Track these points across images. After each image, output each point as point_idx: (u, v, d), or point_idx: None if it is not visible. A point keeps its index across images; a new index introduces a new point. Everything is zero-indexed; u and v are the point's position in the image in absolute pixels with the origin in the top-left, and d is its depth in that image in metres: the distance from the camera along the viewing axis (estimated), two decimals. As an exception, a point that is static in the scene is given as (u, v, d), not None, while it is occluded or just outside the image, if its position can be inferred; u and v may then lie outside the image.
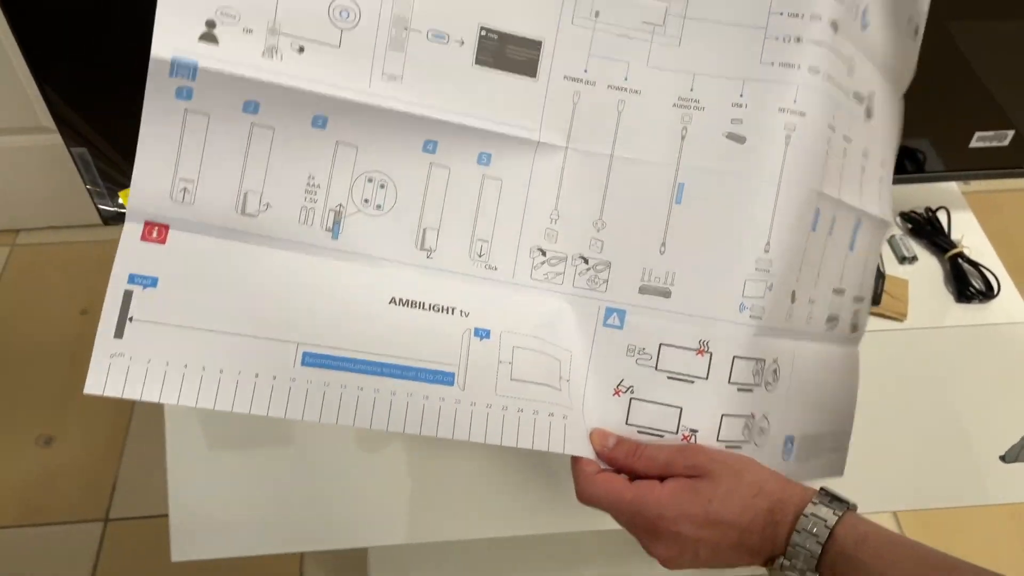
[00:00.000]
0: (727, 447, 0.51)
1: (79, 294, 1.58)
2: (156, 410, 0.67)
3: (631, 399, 0.51)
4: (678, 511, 0.46)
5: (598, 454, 0.50)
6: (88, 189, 0.69)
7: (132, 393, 0.45)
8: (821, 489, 0.47)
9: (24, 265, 1.64)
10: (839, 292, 0.57)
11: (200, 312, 0.46)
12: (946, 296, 0.85)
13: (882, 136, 0.58)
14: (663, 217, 0.51)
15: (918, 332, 0.82)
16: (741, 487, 0.46)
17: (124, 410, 1.42)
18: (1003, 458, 0.66)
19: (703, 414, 0.51)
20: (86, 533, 1.30)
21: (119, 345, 0.45)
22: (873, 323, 0.81)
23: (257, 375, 0.46)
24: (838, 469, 0.60)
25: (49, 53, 0.61)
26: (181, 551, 0.66)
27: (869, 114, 0.56)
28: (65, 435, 1.41)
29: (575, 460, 0.50)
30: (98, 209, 0.70)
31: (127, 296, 0.46)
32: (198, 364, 0.46)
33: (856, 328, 0.61)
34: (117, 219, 0.69)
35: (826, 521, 0.44)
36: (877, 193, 0.59)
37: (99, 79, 0.64)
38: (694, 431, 0.51)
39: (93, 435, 1.40)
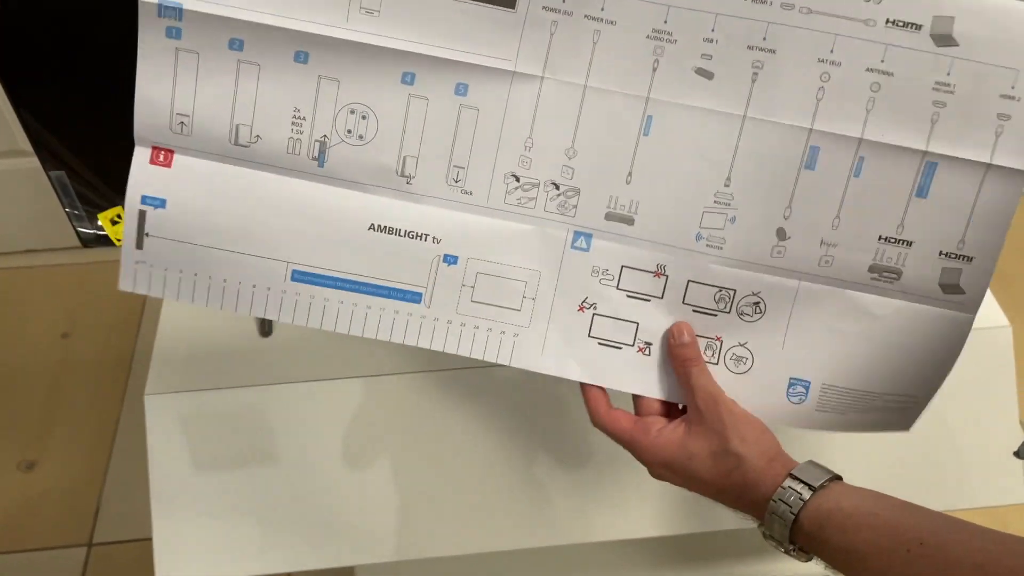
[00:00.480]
0: None
1: (60, 317, 1.54)
2: (139, 432, 0.70)
3: (593, 315, 0.56)
4: (663, 460, 0.54)
5: (669, 345, 0.56)
6: (67, 212, 0.68)
7: (155, 293, 0.53)
8: (790, 475, 0.50)
9: (3, 289, 1.60)
10: (897, 242, 0.53)
11: (203, 231, 0.53)
12: None
13: (978, 71, 0.50)
14: (631, 148, 0.54)
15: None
16: (724, 456, 0.51)
17: (106, 433, 1.40)
18: (1017, 454, 0.67)
19: (656, 329, 0.56)
20: (70, 558, 1.27)
21: (140, 255, 0.52)
22: None
23: (255, 286, 0.53)
24: (900, 423, 0.57)
25: (25, 77, 0.62)
26: (166, 574, 0.67)
27: (943, 42, 0.49)
28: (47, 459, 1.37)
29: (587, 393, 0.57)
30: (77, 232, 0.70)
31: (141, 215, 0.52)
32: (205, 274, 0.53)
33: (952, 290, 0.54)
34: (97, 242, 0.70)
35: (792, 508, 0.48)
36: (976, 134, 0.51)
37: (76, 102, 0.65)
38: (648, 343, 0.56)
39: (75, 459, 1.37)
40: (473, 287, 0.55)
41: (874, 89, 0.51)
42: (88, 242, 0.69)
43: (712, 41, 0.51)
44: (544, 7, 0.51)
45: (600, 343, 0.56)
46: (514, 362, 0.55)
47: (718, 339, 0.56)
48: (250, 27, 0.49)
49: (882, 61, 0.50)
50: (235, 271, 0.53)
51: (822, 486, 0.49)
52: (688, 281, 0.55)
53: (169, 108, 0.51)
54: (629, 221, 0.55)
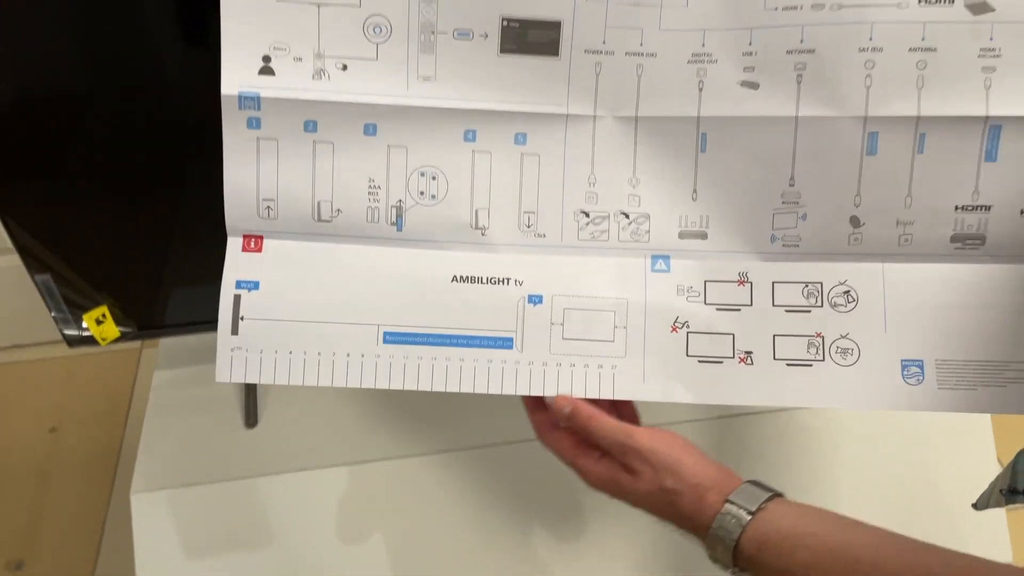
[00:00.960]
0: (791, 365, 0.55)
1: (48, 412, 1.52)
2: (127, 526, 0.71)
3: (688, 333, 0.56)
4: (601, 488, 0.53)
5: (563, 425, 0.55)
6: (53, 316, 0.69)
7: (252, 378, 0.54)
8: (727, 500, 0.49)
9: (-10, 384, 1.54)
10: (975, 208, 0.54)
11: (296, 307, 0.55)
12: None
13: (1021, 31, 0.51)
14: (691, 167, 0.55)
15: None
16: (658, 495, 0.51)
17: (95, 529, 1.36)
18: (975, 506, 0.63)
19: (754, 337, 0.55)
20: (60, 659, 1.18)
21: (236, 340, 0.54)
22: None
23: (348, 355, 0.54)
24: None
25: (9, 182, 0.63)
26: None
27: (979, 10, 0.51)
28: (36, 558, 1.33)
29: (532, 413, 0.56)
30: (63, 334, 0.71)
31: (236, 299, 0.54)
32: (300, 350, 0.54)
33: None
34: (81, 342, 0.70)
35: (731, 533, 0.48)
36: (1021, 91, 0.51)
37: (60, 208, 0.66)
38: (748, 352, 0.55)
39: (64, 557, 1.33)
40: (563, 324, 0.55)
41: (920, 67, 0.52)
42: (73, 343, 0.70)
43: (751, 54, 0.53)
44: (586, 50, 0.54)
45: (700, 360, 0.55)
46: (618, 394, 0.55)
47: (819, 335, 0.55)
48: (322, 107, 0.53)
49: (923, 39, 0.52)
50: (329, 342, 0.54)
51: (760, 508, 0.49)
52: (773, 283, 0.55)
53: (256, 195, 0.54)
54: (703, 236, 0.56)
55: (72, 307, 0.69)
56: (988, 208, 0.53)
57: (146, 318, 0.73)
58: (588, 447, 0.54)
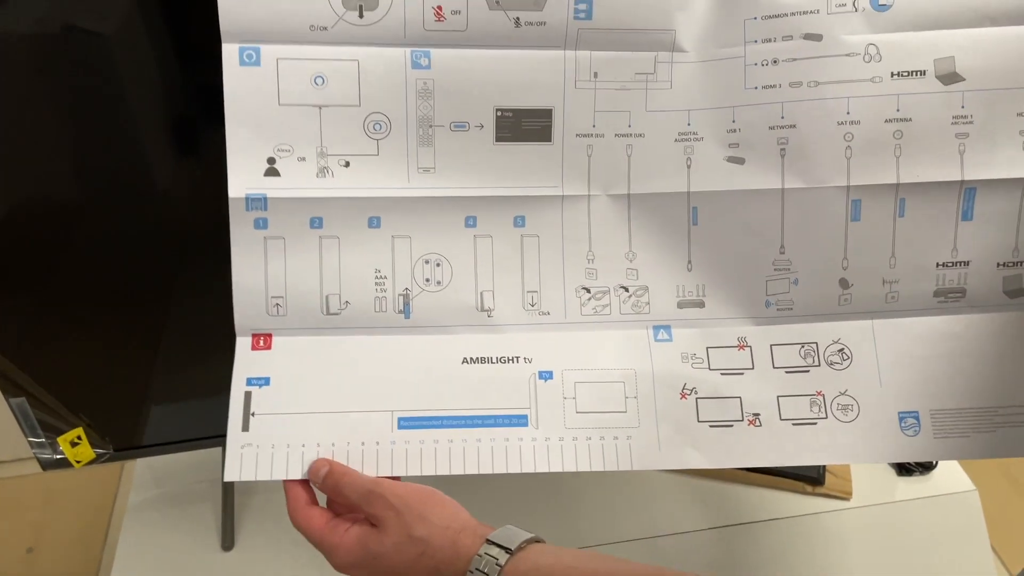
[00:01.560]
0: (797, 424, 0.57)
1: (24, 532, 1.50)
2: None
3: (697, 399, 0.57)
4: (351, 562, 0.51)
5: (312, 481, 0.53)
6: (28, 440, 0.68)
7: (263, 476, 0.54)
8: (487, 540, 0.49)
9: (-33, 504, 1.52)
10: (955, 264, 0.56)
11: (308, 399, 0.55)
12: (887, 470, 0.87)
13: (989, 99, 0.54)
14: (684, 240, 0.58)
15: (866, 510, 0.84)
16: (407, 545, 0.49)
17: None
18: None
19: (760, 399, 0.57)
20: None
21: (247, 437, 0.54)
22: (818, 504, 0.83)
23: (363, 443, 0.55)
24: None
25: None
26: None
27: (950, 80, 0.54)
28: None
29: (288, 490, 0.53)
30: (37, 458, 0.69)
31: (247, 396, 0.55)
32: (313, 442, 0.54)
33: (1017, 293, 0.57)
34: (56, 465, 0.68)
35: (488, 574, 0.47)
36: (1004, 153, 0.55)
37: (34, 331, 0.65)
38: (756, 414, 0.57)
39: None
40: (575, 398, 0.56)
41: (897, 137, 0.55)
42: (47, 466, 0.68)
43: (735, 131, 0.56)
44: (578, 135, 0.57)
45: (711, 425, 0.57)
46: (636, 463, 0.56)
47: (820, 394, 0.57)
48: (327, 203, 0.54)
49: (897, 110, 0.55)
50: (343, 432, 0.55)
51: (519, 548, 0.48)
52: (771, 346, 0.57)
53: (264, 294, 0.55)
54: (700, 304, 0.58)
55: (47, 430, 0.67)
56: (967, 263, 0.57)
57: (123, 439, 0.71)
58: (338, 523, 0.52)
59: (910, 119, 0.55)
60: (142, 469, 0.83)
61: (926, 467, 0.87)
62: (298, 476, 0.54)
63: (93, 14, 0.54)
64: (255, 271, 0.54)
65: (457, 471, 0.55)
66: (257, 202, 0.53)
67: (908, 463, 0.87)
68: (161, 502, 0.80)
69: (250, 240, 0.54)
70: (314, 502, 0.54)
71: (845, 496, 0.85)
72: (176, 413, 0.70)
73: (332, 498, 0.54)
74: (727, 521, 0.83)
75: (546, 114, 0.56)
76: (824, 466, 0.85)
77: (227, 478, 0.54)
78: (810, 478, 0.85)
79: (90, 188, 0.61)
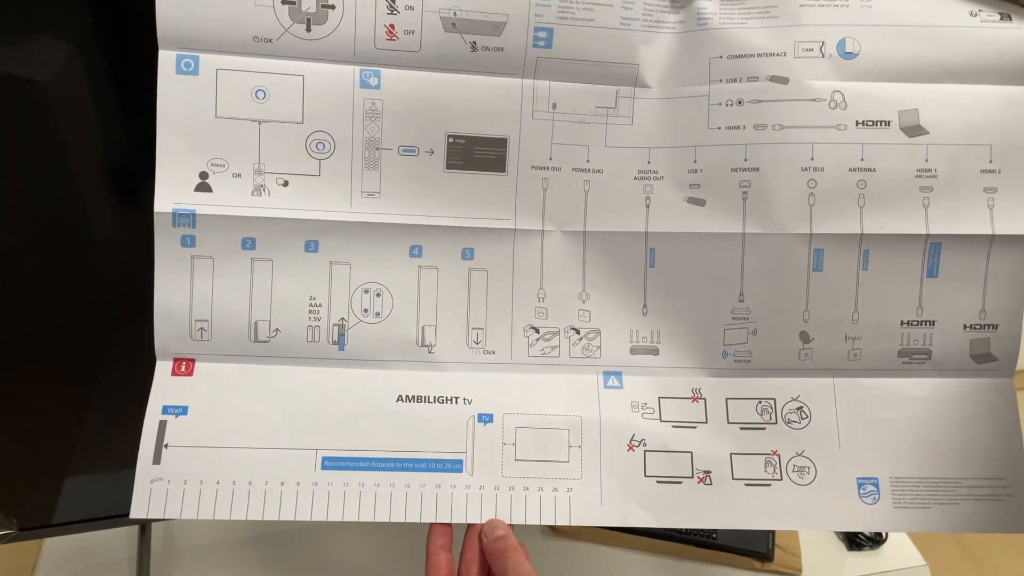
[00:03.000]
0: (750, 485, 0.53)
1: None
2: None
3: (645, 452, 0.54)
4: None
5: (484, 544, 0.50)
6: None
7: (172, 513, 0.50)
8: None
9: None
10: (920, 323, 0.54)
11: (227, 432, 0.51)
12: (837, 544, 0.85)
13: (953, 153, 0.52)
14: (640, 282, 0.55)
15: (816, 586, 0.82)
16: None
17: None
18: None
19: (712, 456, 0.54)
20: None
21: (158, 470, 0.50)
22: None
23: (283, 483, 0.50)
24: (1010, 522, 0.53)
25: None
26: None
27: (914, 132, 0.52)
28: None
29: (433, 552, 0.50)
30: None
31: (162, 426, 0.51)
32: (229, 479, 0.50)
33: (984, 359, 0.54)
34: (3, 539, 0.64)
35: None
36: (969, 209, 0.53)
37: None
38: (707, 472, 0.53)
39: None
40: (515, 444, 0.53)
41: (860, 186, 0.53)
42: None
43: (697, 171, 0.54)
44: (533, 166, 0.54)
45: (659, 481, 0.53)
46: (575, 519, 0.52)
47: (775, 454, 0.54)
48: (261, 224, 0.51)
49: (862, 160, 0.53)
50: (261, 470, 0.51)
51: None
52: (727, 399, 0.54)
53: (188, 317, 0.51)
54: (654, 352, 0.55)
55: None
56: (932, 323, 0.54)
57: (30, 517, 0.65)
58: None
59: (874, 169, 0.53)
60: (51, 547, 0.77)
61: (876, 541, 0.84)
62: (208, 516, 0.50)
63: (30, 63, 0.51)
64: (179, 291, 0.51)
65: (382, 518, 0.51)
66: (185, 218, 0.50)
67: (859, 536, 0.84)
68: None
69: (175, 258, 0.50)
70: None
71: (795, 572, 0.82)
72: (92, 486, 0.64)
73: (488, 559, 0.50)
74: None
75: (500, 143, 0.53)
76: (773, 540, 0.81)
77: (133, 514, 0.50)
78: (759, 553, 0.81)
79: (20, 237, 0.56)
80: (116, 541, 0.75)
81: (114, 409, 0.59)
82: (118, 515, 0.62)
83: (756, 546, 0.81)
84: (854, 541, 0.84)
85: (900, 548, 0.85)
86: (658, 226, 0.54)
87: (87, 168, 0.54)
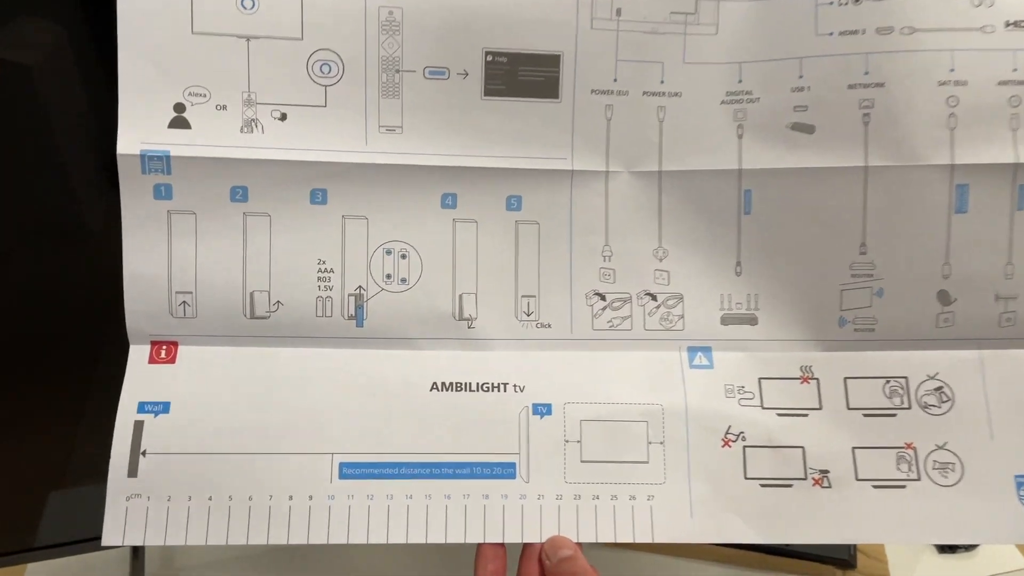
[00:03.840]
0: (879, 487, 0.42)
1: None
2: None
3: (744, 447, 0.43)
4: None
5: (545, 567, 0.41)
6: None
7: (154, 538, 0.39)
8: None
9: None
10: None
11: (219, 434, 0.41)
12: (928, 549, 0.74)
13: None
14: (733, 232, 0.43)
15: (906, 596, 0.70)
16: None
17: None
18: None
19: (829, 451, 0.43)
20: None
21: (134, 485, 0.40)
22: None
23: (291, 497, 0.40)
24: None
25: None
26: None
27: None
28: None
29: (480, 554, 0.41)
30: None
31: (138, 428, 0.40)
32: (223, 494, 0.40)
33: None
34: None
35: None
36: None
37: None
38: (824, 472, 0.42)
39: None
40: (580, 441, 0.42)
41: (1013, 104, 0.41)
42: None
43: (803, 89, 0.42)
44: (593, 91, 0.43)
45: (763, 484, 0.42)
46: (658, 534, 0.41)
47: (910, 447, 0.42)
48: (254, 168, 0.40)
49: (1014, 70, 0.41)
50: (264, 481, 0.40)
51: None
52: (845, 379, 0.43)
53: (167, 289, 0.41)
54: (751, 321, 0.44)
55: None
56: None
57: (8, 540, 0.55)
58: None
59: None
60: (33, 572, 0.68)
61: (969, 544, 0.72)
62: (199, 541, 0.40)
63: (15, 45, 0.41)
64: (155, 256, 0.40)
65: (417, 538, 0.40)
66: (157, 162, 0.39)
67: (950, 539, 0.73)
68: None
69: (148, 214, 0.40)
70: None
71: None
72: (78, 505, 0.55)
73: None
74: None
75: (552, 61, 0.42)
76: (855, 545, 0.70)
77: (106, 541, 0.40)
78: (840, 560, 0.70)
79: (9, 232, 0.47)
80: (107, 565, 0.66)
81: (103, 416, 0.49)
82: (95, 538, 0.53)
83: (836, 552, 0.70)
84: (946, 544, 0.73)
85: (998, 551, 0.74)
86: (754, 161, 0.43)
87: (78, 154, 0.44)
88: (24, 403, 0.50)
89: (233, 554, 0.67)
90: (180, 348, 0.42)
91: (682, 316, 0.44)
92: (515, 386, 0.43)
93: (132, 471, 0.40)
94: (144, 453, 0.40)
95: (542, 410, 0.42)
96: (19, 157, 0.43)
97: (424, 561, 0.65)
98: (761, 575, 0.72)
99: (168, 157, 0.39)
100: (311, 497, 0.40)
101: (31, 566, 0.68)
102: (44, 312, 0.48)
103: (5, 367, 0.48)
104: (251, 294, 0.41)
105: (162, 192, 0.40)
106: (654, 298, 0.44)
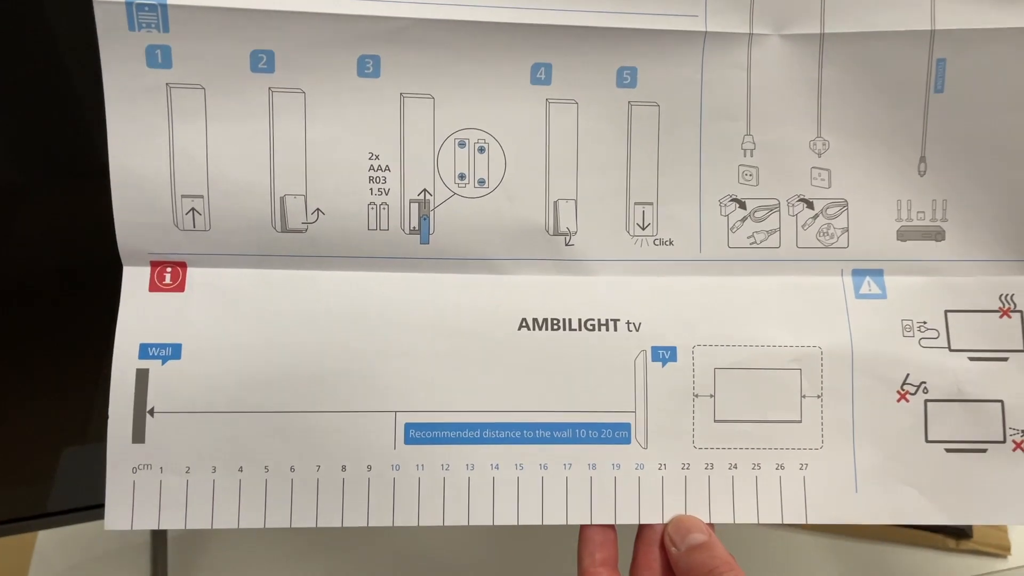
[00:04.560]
0: None
1: None
2: None
3: (926, 401, 0.33)
4: None
5: (673, 555, 0.31)
6: None
7: (171, 521, 0.30)
8: None
9: None
10: None
11: (247, 386, 0.31)
12: None
13: None
14: (917, 118, 0.33)
15: (1031, 567, 0.61)
16: None
17: None
18: None
19: None
20: None
21: (141, 453, 0.30)
22: (968, 563, 0.62)
23: (344, 468, 0.31)
24: None
25: None
26: None
27: None
28: None
29: (584, 538, 0.32)
30: None
31: (142, 379, 0.31)
32: (258, 464, 0.31)
33: None
34: None
35: None
36: None
37: None
38: None
39: None
40: (713, 396, 0.32)
41: None
42: None
43: None
44: None
45: (949, 449, 0.33)
46: (813, 513, 0.32)
47: None
48: (281, 24, 0.29)
49: None
50: (309, 448, 0.31)
51: None
52: None
53: (169, 189, 0.30)
54: (937, 235, 0.33)
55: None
56: None
57: (18, 505, 0.48)
58: None
59: None
60: (45, 541, 0.60)
61: None
62: (231, 524, 0.30)
63: None
64: (151, 147, 0.30)
65: (506, 519, 0.31)
66: (150, 12, 0.29)
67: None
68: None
69: (140, 88, 0.29)
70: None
71: (1001, 552, 0.62)
72: (93, 467, 0.46)
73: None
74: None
75: None
76: None
77: (110, 525, 0.30)
78: (955, 529, 0.61)
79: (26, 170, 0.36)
80: (124, 532, 0.57)
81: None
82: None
83: (952, 518, 0.62)
84: None
85: None
86: (951, 19, 0.32)
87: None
88: (35, 358, 0.42)
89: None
90: (189, 271, 0.32)
91: (846, 229, 0.33)
92: (629, 323, 0.32)
93: (138, 435, 0.30)
94: (152, 412, 0.31)
95: (664, 355, 0.32)
96: (31, 89, 0.33)
97: (504, 548, 0.56)
98: (865, 546, 0.64)
99: (164, 6, 0.28)
100: (370, 468, 0.31)
101: (42, 535, 0.60)
102: (52, 255, 0.39)
103: (11, 317, 0.39)
104: (281, 199, 0.31)
105: (158, 57, 0.29)
106: (810, 205, 0.33)
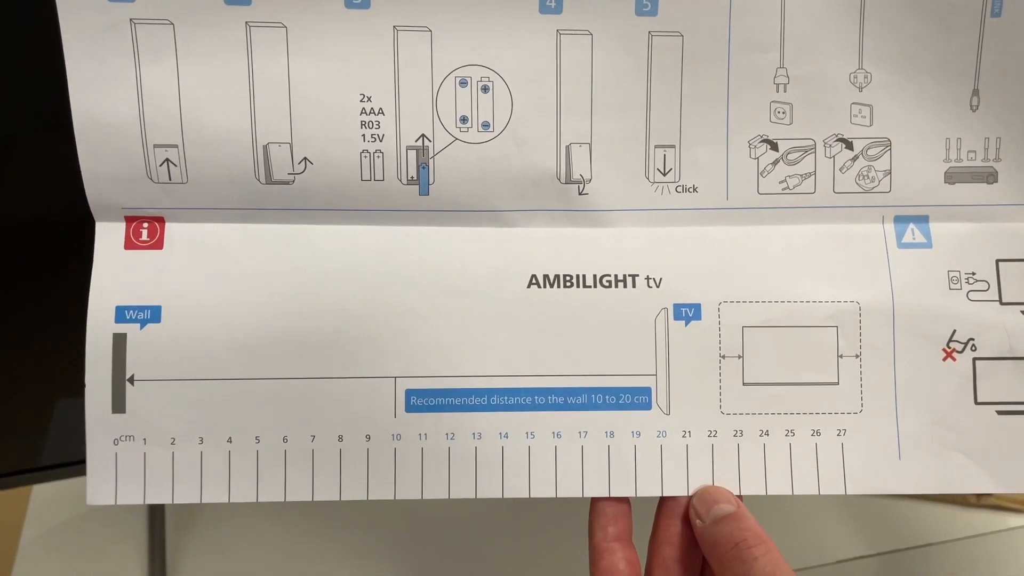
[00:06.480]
0: None
1: None
2: None
3: (974, 360, 0.30)
4: None
5: (699, 528, 0.29)
6: None
7: (158, 495, 0.28)
8: None
9: None
10: None
11: (234, 351, 0.29)
12: None
13: None
14: (971, 47, 0.29)
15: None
16: None
17: None
18: None
19: None
20: None
21: (122, 424, 0.28)
22: (988, 519, 0.59)
23: (341, 438, 0.28)
24: None
25: None
26: None
27: None
28: None
29: (596, 511, 0.30)
30: None
31: (119, 344, 0.28)
32: (248, 435, 0.28)
33: None
34: None
35: None
36: None
37: None
38: None
39: None
40: (741, 357, 0.30)
41: None
42: None
43: None
44: None
45: (1001, 411, 0.30)
46: (852, 484, 0.30)
47: None
48: None
49: None
50: (302, 416, 0.29)
51: None
52: None
53: (139, 140, 0.28)
54: (989, 176, 0.30)
55: None
56: None
57: (13, 458, 0.47)
58: None
59: None
60: (39, 496, 0.58)
61: None
62: (221, 498, 0.28)
63: None
64: (117, 91, 0.27)
65: (516, 492, 0.29)
66: None
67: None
68: (64, 541, 0.55)
69: (100, 25, 0.26)
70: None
71: (1022, 508, 0.60)
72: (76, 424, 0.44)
73: (709, 558, 0.29)
74: (887, 546, 0.57)
75: None
76: None
77: (91, 500, 0.28)
78: None
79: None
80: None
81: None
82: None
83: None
84: None
85: None
86: (1015, -68, 0.28)
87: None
88: (24, 309, 0.40)
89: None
90: (167, 226, 0.29)
91: (888, 172, 0.30)
92: (648, 278, 0.30)
93: (118, 405, 0.28)
94: (132, 380, 0.28)
95: (687, 313, 0.30)
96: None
97: (483, 512, 0.55)
98: (879, 501, 0.62)
99: None
100: (368, 437, 0.28)
101: (36, 489, 0.59)
102: (42, 204, 0.37)
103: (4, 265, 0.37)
104: (265, 148, 0.28)
105: (119, -11, 0.26)
106: (849, 146, 0.30)
